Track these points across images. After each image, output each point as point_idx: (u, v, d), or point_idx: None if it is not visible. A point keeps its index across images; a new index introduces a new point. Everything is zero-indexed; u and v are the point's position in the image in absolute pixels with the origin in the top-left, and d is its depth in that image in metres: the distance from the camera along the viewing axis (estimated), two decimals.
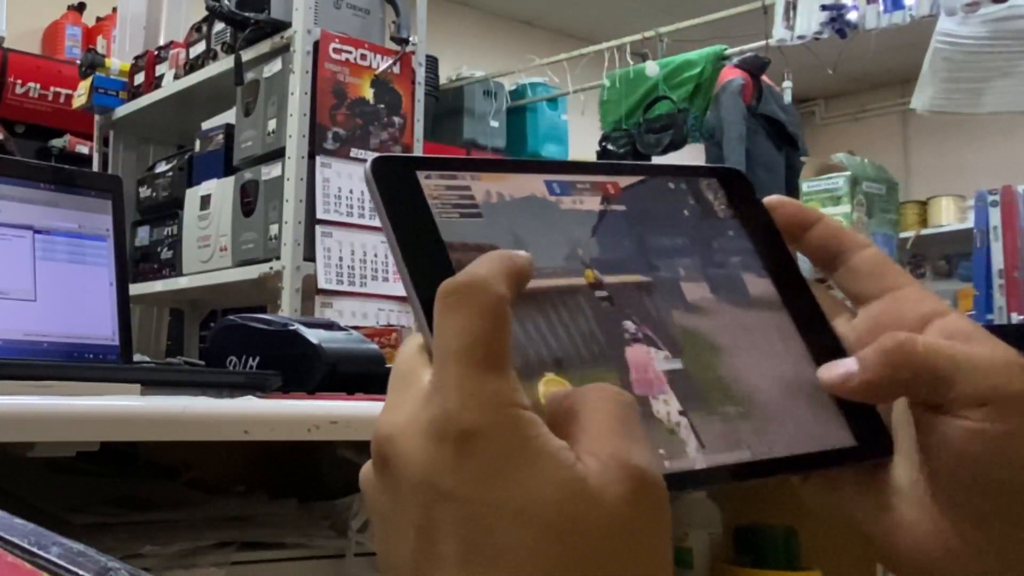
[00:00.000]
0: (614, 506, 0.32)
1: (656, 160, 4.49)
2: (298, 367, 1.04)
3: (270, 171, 2.82)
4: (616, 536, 0.32)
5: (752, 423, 0.39)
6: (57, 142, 4.41)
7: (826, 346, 0.42)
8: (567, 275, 0.40)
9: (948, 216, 6.27)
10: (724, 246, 0.44)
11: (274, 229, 2.77)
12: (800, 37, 4.05)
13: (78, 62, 3.83)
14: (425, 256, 0.36)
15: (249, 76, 2.93)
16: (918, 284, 0.43)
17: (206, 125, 3.29)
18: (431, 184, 0.38)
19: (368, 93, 2.86)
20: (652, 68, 4.54)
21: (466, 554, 0.32)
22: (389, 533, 0.35)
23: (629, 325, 0.40)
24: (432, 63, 5.02)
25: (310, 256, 2.70)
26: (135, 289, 3.08)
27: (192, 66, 3.23)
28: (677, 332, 0.40)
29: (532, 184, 0.41)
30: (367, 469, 0.36)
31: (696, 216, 0.44)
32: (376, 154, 0.38)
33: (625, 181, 0.43)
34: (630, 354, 0.39)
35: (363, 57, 2.86)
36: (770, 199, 0.46)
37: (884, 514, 0.41)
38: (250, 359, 1.08)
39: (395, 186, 0.37)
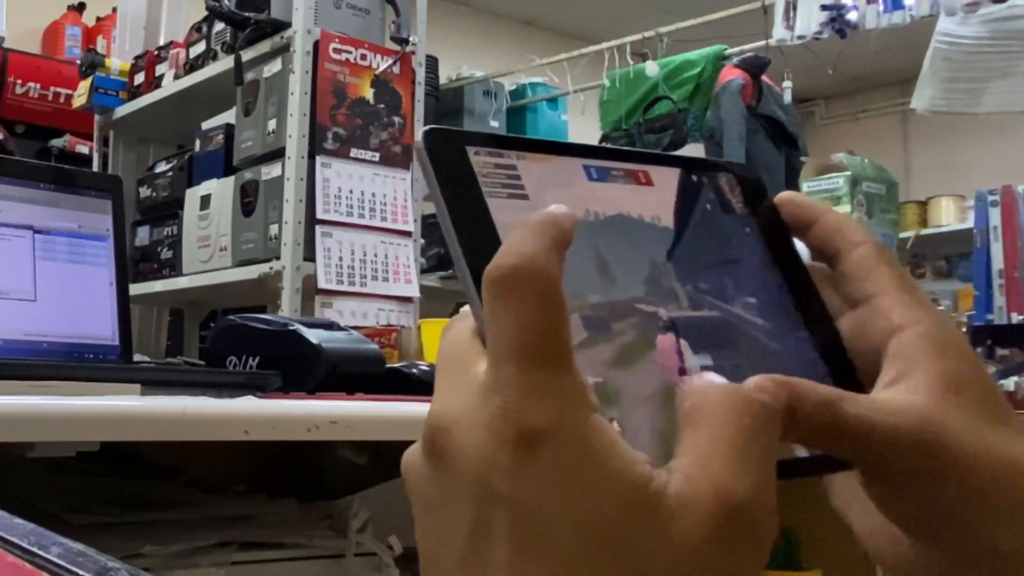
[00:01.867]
0: (688, 536, 0.30)
1: None
2: (298, 367, 1.04)
3: (270, 171, 2.82)
4: (685, 568, 0.30)
5: None
6: (57, 142, 4.41)
7: (831, 348, 0.42)
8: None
9: (948, 216, 6.28)
10: (740, 242, 0.44)
11: (274, 229, 2.77)
12: (800, 37, 4.05)
13: (78, 62, 3.83)
14: (478, 232, 0.35)
15: (249, 76, 2.93)
16: (896, 289, 0.41)
17: (206, 125, 3.29)
18: (480, 160, 0.37)
19: (368, 93, 2.86)
20: (652, 68, 4.54)
21: (518, 561, 0.30)
22: (436, 525, 0.33)
23: (662, 313, 0.39)
24: (432, 63, 5.02)
25: (310, 256, 2.70)
26: (135, 289, 3.08)
27: (192, 66, 3.23)
28: (703, 329, 0.40)
29: (572, 168, 0.41)
30: (413, 454, 0.34)
31: (716, 211, 0.44)
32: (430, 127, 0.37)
33: (655, 171, 0.43)
34: (660, 341, 0.38)
35: (363, 57, 2.86)
36: (779, 196, 0.45)
37: (870, 519, 0.41)
38: (250, 359, 1.08)
39: (446, 158, 0.36)
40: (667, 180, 0.44)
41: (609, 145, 4.51)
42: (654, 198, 0.42)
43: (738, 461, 0.31)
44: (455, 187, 0.36)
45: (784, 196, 0.45)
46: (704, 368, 0.39)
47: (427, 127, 0.37)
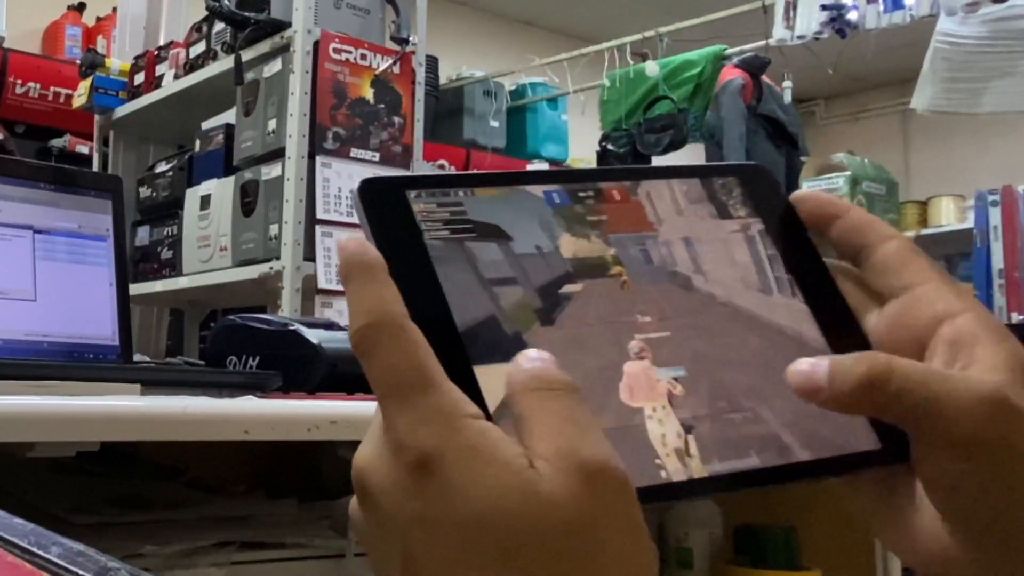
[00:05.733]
0: (570, 504, 0.32)
1: (656, 160, 4.49)
2: (298, 367, 1.04)
3: (270, 171, 2.82)
4: (580, 532, 0.32)
5: (768, 428, 0.39)
6: (57, 142, 4.41)
7: (853, 345, 0.41)
8: (561, 278, 0.39)
9: (948, 216, 6.26)
10: (745, 245, 0.43)
11: (274, 229, 2.77)
12: (800, 37, 4.05)
13: (78, 62, 3.82)
14: (417, 284, 0.36)
15: (249, 76, 2.93)
16: (938, 278, 0.41)
17: (206, 125, 3.29)
18: (421, 203, 0.38)
19: (368, 93, 2.86)
20: (652, 68, 4.54)
21: (446, 573, 0.33)
22: (380, 561, 0.36)
23: (637, 319, 0.39)
24: (432, 63, 5.02)
25: (310, 256, 2.70)
26: (135, 289, 3.08)
27: (192, 66, 3.23)
28: (693, 336, 0.40)
29: (529, 197, 0.40)
30: (353, 503, 0.37)
31: (714, 216, 0.44)
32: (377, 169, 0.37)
33: (639, 186, 0.42)
34: (628, 366, 0.38)
35: (363, 57, 2.86)
36: (796, 194, 0.45)
37: (897, 518, 0.40)
38: (250, 359, 1.08)
39: (383, 209, 0.37)
40: (650, 194, 0.43)
41: (610, 145, 4.45)
42: (631, 215, 0.42)
43: (572, 429, 0.34)
44: (393, 238, 0.37)
45: (803, 194, 0.45)
46: (676, 379, 0.39)
47: (364, 179, 0.37)
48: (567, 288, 0.39)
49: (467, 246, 0.38)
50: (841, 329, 0.42)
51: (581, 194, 0.41)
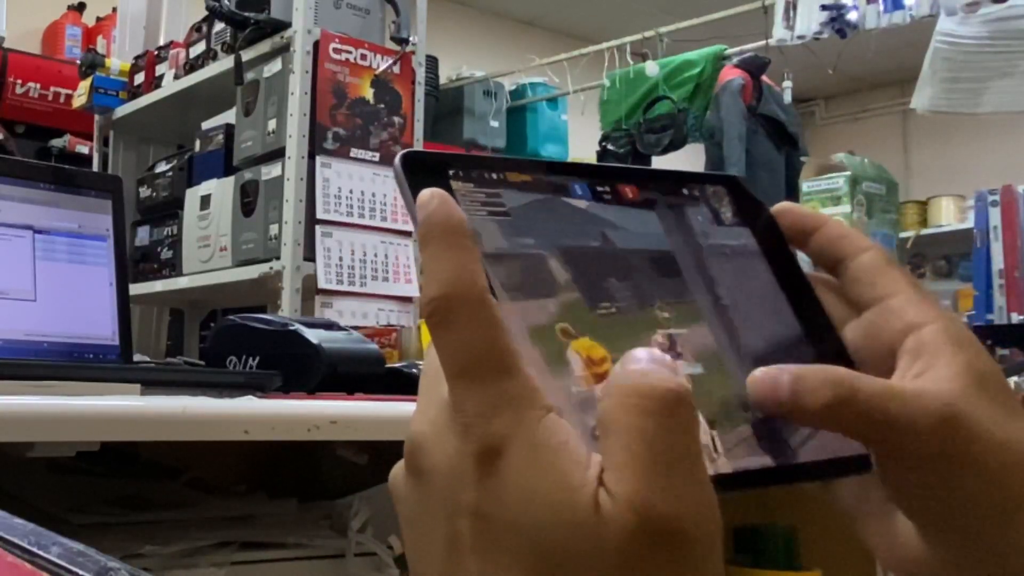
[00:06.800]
0: (618, 553, 0.30)
1: (656, 160, 4.50)
2: (298, 367, 1.04)
3: (270, 171, 2.82)
4: None
5: (768, 430, 0.39)
6: (57, 142, 4.41)
7: (833, 355, 0.42)
8: (589, 267, 0.40)
9: (948, 216, 6.27)
10: (734, 254, 0.44)
11: (274, 229, 2.77)
12: (800, 37, 4.05)
13: (78, 62, 3.83)
14: None
15: (249, 76, 2.93)
16: (910, 289, 0.41)
17: (206, 125, 3.29)
18: (459, 182, 0.38)
19: (368, 93, 2.86)
20: (652, 68, 4.54)
21: (488, 572, 0.32)
22: (419, 539, 0.34)
23: (657, 315, 0.40)
24: (432, 63, 5.02)
25: (310, 256, 2.71)
26: (135, 289, 3.08)
27: (192, 66, 3.23)
28: (695, 339, 0.40)
29: (556, 185, 0.41)
30: (398, 471, 0.36)
31: (708, 223, 0.44)
32: (408, 149, 0.37)
33: (644, 186, 0.44)
34: None
35: (363, 57, 2.86)
36: (776, 206, 0.45)
37: (873, 521, 0.41)
38: (250, 359, 1.08)
39: (425, 182, 0.37)
40: (656, 195, 0.44)
41: (610, 145, 4.47)
42: (641, 213, 0.43)
43: (650, 471, 0.30)
44: None
45: (783, 206, 0.45)
46: (695, 376, 0.39)
47: (405, 151, 0.37)
48: (596, 277, 0.39)
49: (503, 227, 0.38)
50: (821, 338, 0.43)
51: (599, 189, 0.42)
